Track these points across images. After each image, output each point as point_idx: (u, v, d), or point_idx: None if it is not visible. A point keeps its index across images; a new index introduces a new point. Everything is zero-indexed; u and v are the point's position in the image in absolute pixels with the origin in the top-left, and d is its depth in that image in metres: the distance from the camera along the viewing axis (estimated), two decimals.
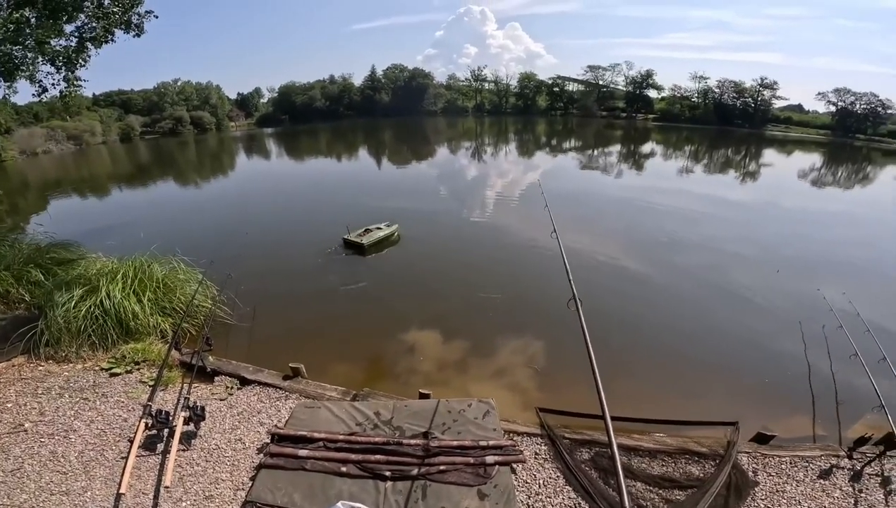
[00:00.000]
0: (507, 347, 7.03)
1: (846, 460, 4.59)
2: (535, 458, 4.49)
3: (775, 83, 74.56)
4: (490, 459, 4.25)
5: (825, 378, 6.32)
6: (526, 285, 9.41)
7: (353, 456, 4.22)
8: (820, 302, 7.13)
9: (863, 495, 4.22)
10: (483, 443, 4.42)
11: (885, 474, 4.43)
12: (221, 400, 5.22)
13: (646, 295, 9.25)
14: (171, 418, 4.57)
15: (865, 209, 20.33)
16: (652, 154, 36.83)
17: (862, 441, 4.75)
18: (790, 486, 4.29)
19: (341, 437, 4.44)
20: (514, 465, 4.31)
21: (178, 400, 5.11)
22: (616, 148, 41.01)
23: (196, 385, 5.38)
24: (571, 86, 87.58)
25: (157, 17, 9.15)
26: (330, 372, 6.10)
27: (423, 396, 5.13)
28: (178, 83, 69.35)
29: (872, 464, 4.50)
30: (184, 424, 4.54)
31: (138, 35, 9.12)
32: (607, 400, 2.62)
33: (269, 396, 5.30)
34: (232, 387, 5.42)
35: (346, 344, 7.16)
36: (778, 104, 77.18)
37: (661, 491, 4.18)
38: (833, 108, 72.82)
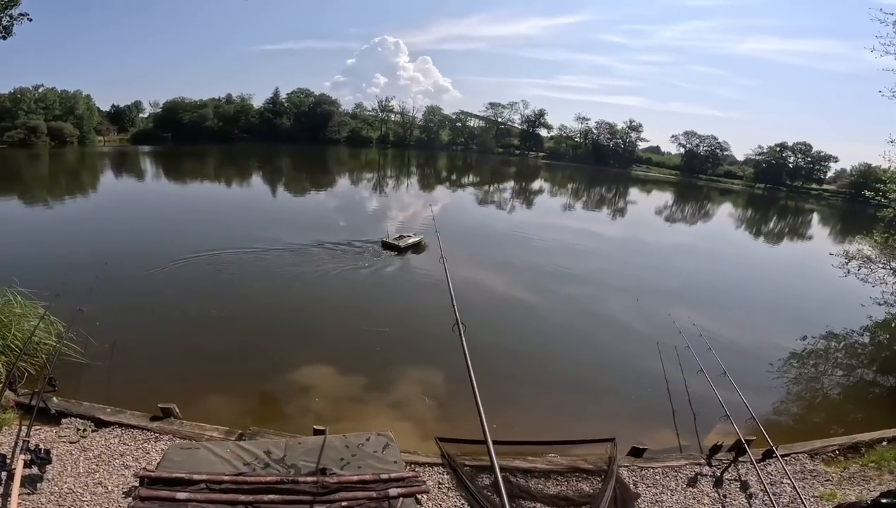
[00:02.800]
0: (401, 379, 7.02)
1: (707, 467, 5.17)
2: (439, 488, 4.50)
3: (640, 126, 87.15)
4: (393, 492, 4.10)
5: (682, 392, 7.18)
6: (418, 317, 9.64)
7: (242, 497, 3.80)
8: (672, 325, 8.12)
9: (728, 500, 4.75)
10: (384, 476, 4.25)
11: (742, 479, 5.03)
12: (72, 442, 4.75)
13: (531, 323, 9.97)
14: (8, 461, 3.99)
15: (705, 241, 24.37)
16: (540, 191, 40.34)
17: (716, 448, 5.32)
18: (666, 496, 4.71)
19: (227, 478, 3.99)
20: (419, 496, 4.23)
21: (17, 442, 4.45)
22: (510, 184, 44.17)
23: (38, 427, 4.87)
24: (473, 122, 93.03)
25: (30, 20, 8.25)
26: (210, 411, 5.65)
27: (318, 432, 4.83)
28: (40, 89, 60.08)
29: (729, 470, 5.09)
30: (25, 467, 4.01)
31: (4, 38, 8.33)
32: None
33: (133, 438, 4.88)
34: (85, 429, 4.95)
35: (228, 381, 6.71)
36: (641, 145, 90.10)
37: None
38: (683, 150, 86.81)
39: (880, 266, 11.61)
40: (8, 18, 8.11)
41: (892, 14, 10.04)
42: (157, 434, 4.95)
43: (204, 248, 13.21)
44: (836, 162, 77.71)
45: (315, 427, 4.96)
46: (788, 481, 4.81)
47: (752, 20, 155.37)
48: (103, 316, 7.53)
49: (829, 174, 79.04)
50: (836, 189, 73.23)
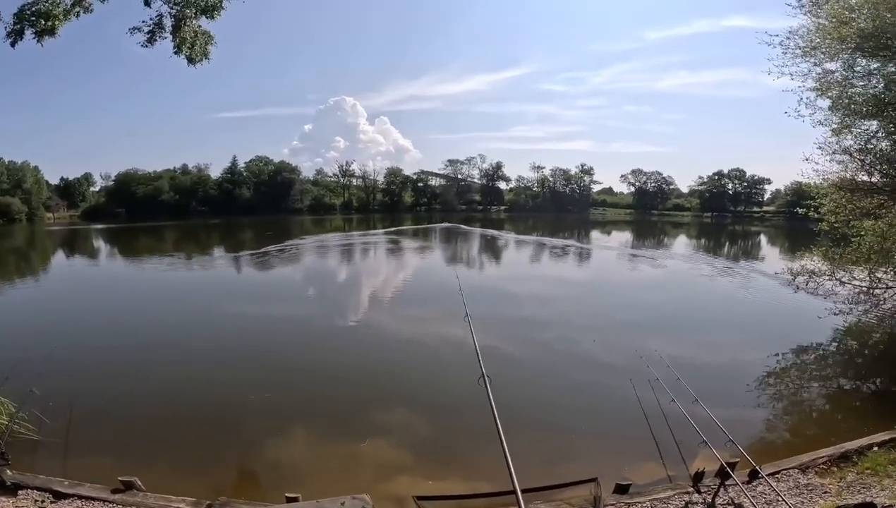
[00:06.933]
0: (370, 439, 6.91)
1: (696, 495, 5.02)
2: None
3: (592, 169, 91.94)
4: None
5: (661, 423, 7.02)
6: (377, 373, 9.78)
7: None
8: (640, 359, 8.18)
9: None
10: None
11: (736, 501, 4.86)
12: None
13: (504, 370, 9.80)
14: None
15: (664, 276, 25.21)
16: (506, 244, 41.20)
17: (699, 475, 5.20)
18: None
19: None
20: None
21: None
22: (476, 241, 44.92)
23: None
24: (434, 181, 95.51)
25: None
26: (175, 484, 5.42)
27: (291, 500, 4.64)
28: None
29: (720, 494, 4.94)
30: None
31: None
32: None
33: None
34: (43, 501, 4.86)
35: (193, 452, 6.68)
36: (595, 188, 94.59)
37: None
38: (633, 188, 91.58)
39: (826, 278, 11.98)
40: None
41: (777, 35, 10.63)
42: (119, 507, 4.80)
43: (160, 328, 13.35)
44: (769, 183, 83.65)
45: (287, 494, 4.73)
46: (784, 498, 4.67)
47: (662, 58, 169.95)
48: (56, 396, 7.45)
49: (767, 196, 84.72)
50: (775, 209, 78.14)
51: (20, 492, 4.95)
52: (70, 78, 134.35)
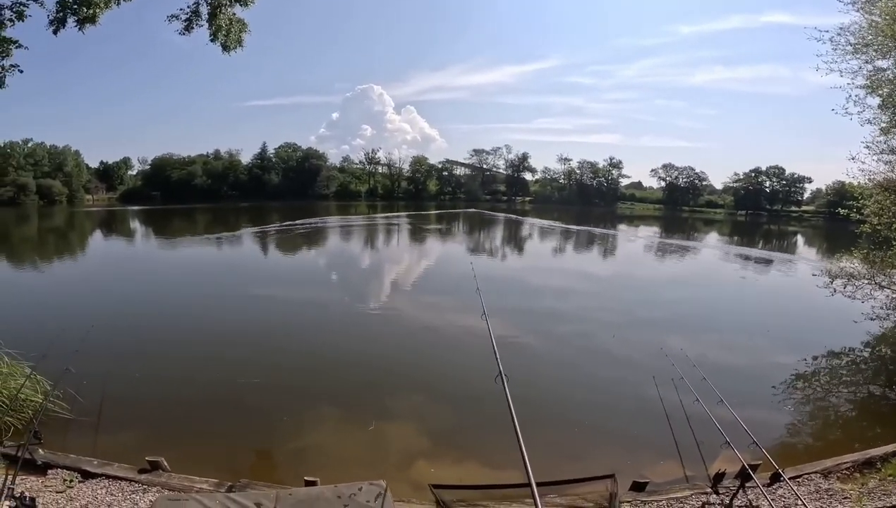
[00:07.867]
0: (390, 426, 7.02)
1: (714, 496, 4.97)
2: None
3: (620, 162, 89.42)
4: None
5: (682, 423, 6.86)
6: (398, 361, 9.82)
7: None
8: (664, 357, 8.00)
9: None
10: None
11: (755, 503, 4.82)
12: (58, 492, 4.78)
13: (523, 363, 9.75)
14: None
15: (694, 273, 24.57)
16: (530, 236, 40.96)
17: (720, 476, 5.10)
18: None
19: None
20: None
21: (2, 491, 4.42)
22: (499, 231, 44.75)
23: (24, 477, 4.92)
24: (459, 170, 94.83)
25: (21, 72, 8.33)
26: (200, 464, 5.62)
27: (309, 483, 4.72)
28: (29, 144, 59.88)
29: (738, 496, 4.84)
30: None
31: None
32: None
33: (121, 490, 4.89)
34: (71, 480, 5.00)
35: (217, 434, 6.79)
36: (624, 182, 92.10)
37: None
38: (663, 183, 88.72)
39: (865, 282, 11.55)
40: (0, 69, 8.16)
41: (827, 31, 10.36)
42: (145, 486, 4.92)
43: (191, 308, 13.92)
44: (810, 182, 79.73)
45: (306, 477, 4.85)
46: (804, 502, 4.53)
47: (695, 53, 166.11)
48: (90, 375, 7.64)
49: (806, 195, 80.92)
50: (814, 209, 74.68)
51: (49, 471, 5.11)
52: (111, 65, 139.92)
